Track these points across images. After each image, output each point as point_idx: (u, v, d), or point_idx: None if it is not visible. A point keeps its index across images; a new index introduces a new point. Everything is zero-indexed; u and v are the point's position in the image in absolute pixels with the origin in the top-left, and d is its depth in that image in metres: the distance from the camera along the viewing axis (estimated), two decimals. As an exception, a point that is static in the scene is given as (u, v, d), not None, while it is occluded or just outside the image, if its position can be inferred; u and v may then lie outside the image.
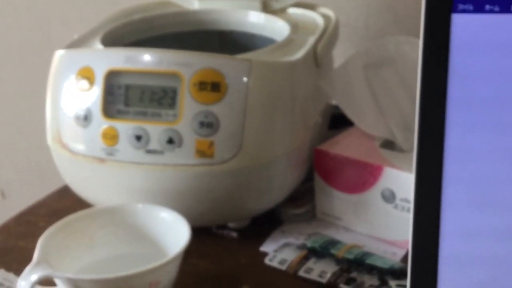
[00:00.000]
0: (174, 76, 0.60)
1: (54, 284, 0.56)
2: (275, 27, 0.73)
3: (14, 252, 0.67)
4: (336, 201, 0.67)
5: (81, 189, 0.67)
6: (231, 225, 0.68)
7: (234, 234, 0.67)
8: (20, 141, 1.22)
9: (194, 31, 0.78)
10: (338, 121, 0.77)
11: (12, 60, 1.17)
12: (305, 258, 0.62)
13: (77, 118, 0.63)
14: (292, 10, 0.77)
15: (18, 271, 0.62)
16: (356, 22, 0.91)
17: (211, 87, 0.60)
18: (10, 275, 0.61)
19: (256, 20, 0.75)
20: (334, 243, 0.63)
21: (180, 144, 0.60)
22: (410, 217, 0.59)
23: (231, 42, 0.78)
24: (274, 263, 0.63)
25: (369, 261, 0.60)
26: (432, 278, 0.47)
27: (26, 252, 0.66)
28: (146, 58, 0.61)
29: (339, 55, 0.76)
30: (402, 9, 0.89)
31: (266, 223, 0.68)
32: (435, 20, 0.44)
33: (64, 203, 0.75)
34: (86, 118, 0.62)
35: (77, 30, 1.08)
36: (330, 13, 0.76)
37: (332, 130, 0.77)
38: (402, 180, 0.62)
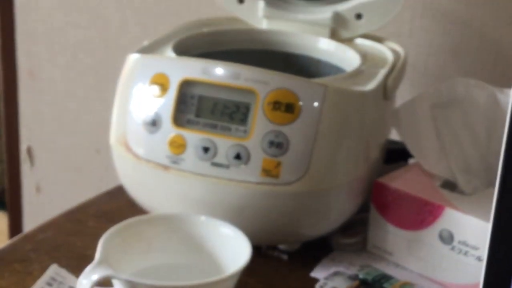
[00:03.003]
0: (250, 92, 0.61)
1: (110, 284, 0.56)
2: (345, 56, 0.73)
3: (63, 248, 0.67)
4: (390, 236, 0.67)
5: (138, 193, 0.67)
6: (281, 247, 0.68)
7: (285, 257, 0.67)
8: (61, 140, 1.23)
9: (260, 50, 0.78)
10: (393, 157, 0.77)
11: (65, 58, 1.17)
12: (356, 289, 0.62)
13: (145, 123, 0.63)
14: (360, 41, 0.78)
15: (69, 267, 0.62)
16: (416, 61, 0.91)
17: (285, 107, 0.60)
18: (63, 271, 0.61)
19: (326, 47, 0.75)
20: (386, 277, 0.63)
21: (247, 161, 0.60)
22: (469, 261, 0.59)
23: (295, 65, 0.78)
24: (325, 291, 0.62)
25: (422, 299, 0.60)
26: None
27: (75, 249, 0.67)
28: (223, 71, 0.62)
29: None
30: (464, 50, 0.89)
31: (316, 249, 0.68)
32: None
33: (113, 205, 0.75)
34: (154, 124, 0.63)
35: (135, 35, 1.10)
36: (398, 48, 0.76)
37: (386, 165, 0.77)
38: (463, 223, 0.62)
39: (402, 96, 0.74)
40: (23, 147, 1.27)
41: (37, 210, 1.28)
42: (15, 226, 1.33)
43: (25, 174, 1.28)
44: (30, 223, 1.29)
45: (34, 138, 1.25)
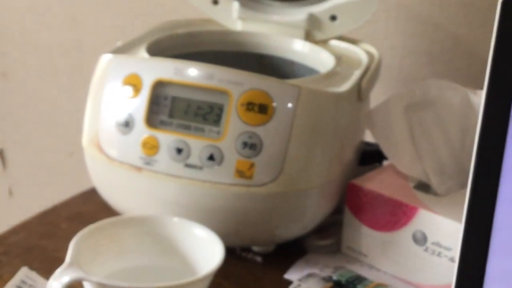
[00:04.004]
0: (223, 93, 0.60)
1: (82, 287, 0.55)
2: (319, 58, 0.73)
3: (36, 251, 0.66)
4: (364, 237, 0.67)
5: (111, 195, 0.67)
6: (255, 249, 0.67)
7: (259, 259, 0.67)
8: (34, 142, 1.21)
9: (234, 52, 0.78)
10: (367, 158, 0.77)
11: (39, 59, 1.16)
12: (330, 291, 0.62)
13: (118, 124, 0.63)
14: (335, 43, 0.77)
15: (40, 270, 0.62)
16: (391, 62, 0.91)
17: (259, 108, 0.60)
18: (33, 274, 0.60)
19: (300, 49, 0.75)
20: (360, 279, 0.63)
21: (220, 162, 0.60)
22: (442, 262, 0.59)
23: (269, 67, 0.78)
24: (299, 292, 0.62)
25: (396, 301, 0.60)
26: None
27: (47, 252, 0.66)
28: (197, 72, 0.61)
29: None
30: (438, 52, 0.89)
31: (290, 251, 0.68)
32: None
33: (86, 207, 0.74)
34: (127, 125, 0.62)
35: (109, 37, 1.09)
36: (373, 50, 0.76)
37: (361, 166, 0.77)
38: (436, 224, 0.62)
39: (376, 98, 0.74)
40: (-5, 150, 1.25)
41: (9, 214, 1.26)
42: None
43: (-3, 177, 1.26)
44: (1, 227, 1.27)
45: (7, 140, 1.24)
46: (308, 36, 0.77)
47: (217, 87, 0.61)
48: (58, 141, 1.17)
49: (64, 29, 1.12)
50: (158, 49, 0.71)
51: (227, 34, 0.77)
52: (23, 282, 0.59)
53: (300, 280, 0.64)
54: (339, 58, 0.72)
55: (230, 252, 0.67)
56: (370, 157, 0.78)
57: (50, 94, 1.17)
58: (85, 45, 1.11)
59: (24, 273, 0.60)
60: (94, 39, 1.10)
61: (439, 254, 0.62)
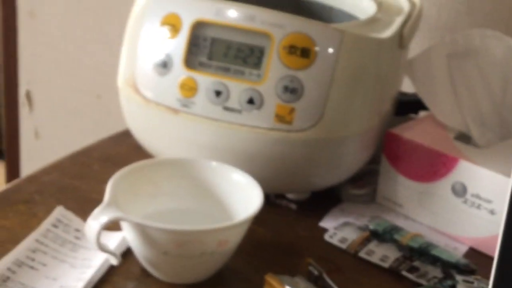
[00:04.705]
0: (265, 35, 0.59)
1: (118, 228, 0.54)
2: (360, 4, 0.71)
3: (69, 191, 0.66)
4: (400, 188, 0.66)
5: (146, 136, 0.66)
6: (290, 196, 0.67)
7: (294, 206, 0.66)
8: (60, 84, 1.21)
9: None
10: (402, 109, 0.76)
11: None
12: (366, 240, 0.61)
13: (156, 65, 0.61)
14: (374, -11, 0.75)
15: (74, 210, 0.61)
16: (429, 11, 0.89)
17: (301, 52, 0.59)
18: (68, 213, 0.60)
19: (340, -6, 0.73)
20: (397, 229, 0.62)
21: (260, 106, 0.59)
22: (481, 214, 0.58)
23: (307, 12, 0.76)
24: (334, 241, 0.61)
25: (434, 252, 0.59)
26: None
27: (80, 192, 0.66)
28: (238, 13, 0.60)
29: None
30: (478, 2, 0.87)
31: (325, 199, 0.67)
32: None
33: (117, 149, 0.74)
34: (165, 66, 0.61)
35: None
36: (414, -3, 0.74)
37: (396, 116, 0.75)
38: (477, 176, 0.61)
39: (412, 48, 0.72)
40: (22, 91, 1.25)
41: (35, 156, 1.26)
42: (13, 171, 1.31)
43: (23, 118, 1.26)
44: (28, 169, 1.27)
45: (33, 82, 1.23)
46: (348, -18, 0.75)
47: (258, 29, 0.59)
48: (85, 83, 1.17)
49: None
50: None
51: (265, -23, 0.75)
52: (59, 220, 0.59)
53: (336, 228, 0.63)
54: (380, 4, 0.70)
55: (265, 199, 0.66)
56: (406, 107, 0.77)
57: (77, 35, 1.16)
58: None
59: (59, 212, 0.60)
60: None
61: (478, 206, 0.61)
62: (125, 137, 0.72)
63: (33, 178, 0.67)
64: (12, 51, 1.21)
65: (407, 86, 0.72)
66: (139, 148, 0.68)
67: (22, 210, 0.62)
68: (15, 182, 0.67)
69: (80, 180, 0.67)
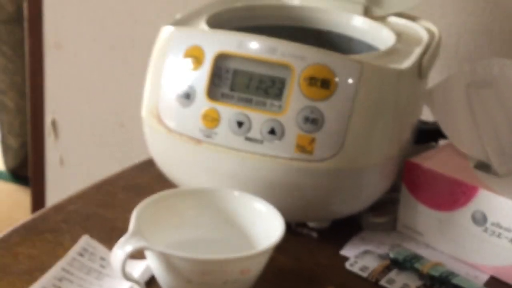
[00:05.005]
0: (286, 67, 0.60)
1: (142, 257, 0.56)
2: (379, 34, 0.72)
3: (94, 220, 0.67)
4: (421, 216, 0.66)
5: (169, 166, 0.67)
6: (311, 224, 0.67)
7: (315, 234, 0.67)
8: (85, 112, 1.23)
9: (292, 27, 0.78)
10: (422, 137, 0.76)
11: (92, 30, 1.17)
12: (387, 268, 0.62)
13: (179, 96, 0.63)
14: (393, 19, 0.77)
15: (99, 238, 0.62)
16: (448, 40, 0.90)
17: (321, 83, 0.60)
18: (94, 242, 0.61)
19: (360, 25, 0.74)
20: (417, 258, 0.62)
21: (281, 137, 0.60)
22: (502, 243, 0.58)
23: (327, 43, 0.77)
24: (355, 269, 0.62)
25: (455, 281, 0.59)
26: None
27: (105, 221, 0.67)
28: (259, 45, 0.61)
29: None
30: (495, 31, 0.88)
31: (346, 228, 0.68)
32: None
33: (142, 178, 0.75)
34: (188, 97, 0.62)
35: (161, 9, 1.09)
36: (432, 27, 0.75)
37: (416, 145, 0.76)
38: (497, 204, 0.61)
39: (432, 77, 0.73)
40: (47, 120, 1.27)
41: (61, 183, 1.28)
42: (38, 199, 1.33)
43: (49, 147, 1.28)
44: (53, 196, 1.29)
45: (59, 110, 1.25)
46: (367, 12, 0.76)
47: (280, 61, 0.60)
48: (109, 112, 1.19)
49: (118, 1, 1.13)
50: (217, 22, 0.71)
51: (286, 9, 0.77)
52: (85, 249, 0.60)
53: (356, 256, 0.63)
54: (399, 34, 0.71)
55: (286, 227, 0.67)
56: (426, 135, 0.77)
57: (102, 65, 1.18)
58: (138, 17, 1.11)
59: (85, 240, 0.61)
60: (146, 11, 1.10)
61: (499, 235, 0.61)
62: (149, 166, 0.73)
63: (59, 207, 0.68)
64: (39, 81, 1.24)
65: (427, 115, 0.72)
66: (162, 177, 0.69)
67: (48, 239, 0.63)
68: (41, 211, 0.68)
69: (105, 209, 0.69)
